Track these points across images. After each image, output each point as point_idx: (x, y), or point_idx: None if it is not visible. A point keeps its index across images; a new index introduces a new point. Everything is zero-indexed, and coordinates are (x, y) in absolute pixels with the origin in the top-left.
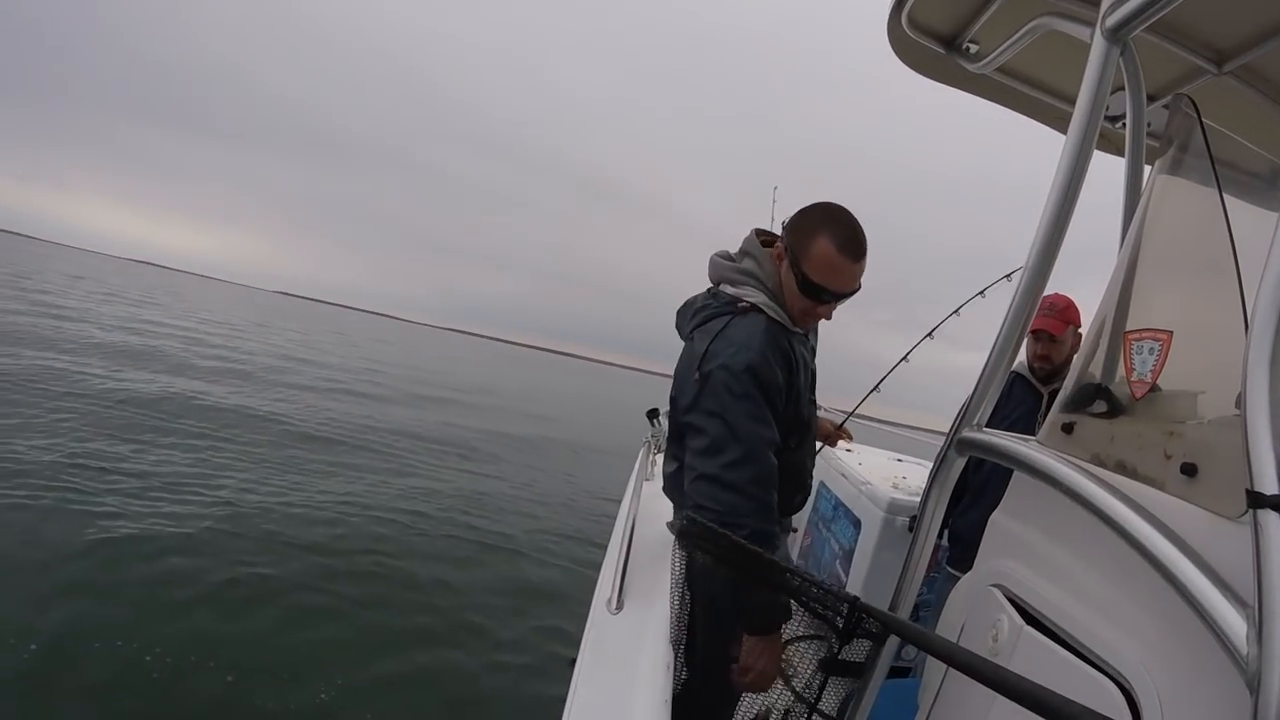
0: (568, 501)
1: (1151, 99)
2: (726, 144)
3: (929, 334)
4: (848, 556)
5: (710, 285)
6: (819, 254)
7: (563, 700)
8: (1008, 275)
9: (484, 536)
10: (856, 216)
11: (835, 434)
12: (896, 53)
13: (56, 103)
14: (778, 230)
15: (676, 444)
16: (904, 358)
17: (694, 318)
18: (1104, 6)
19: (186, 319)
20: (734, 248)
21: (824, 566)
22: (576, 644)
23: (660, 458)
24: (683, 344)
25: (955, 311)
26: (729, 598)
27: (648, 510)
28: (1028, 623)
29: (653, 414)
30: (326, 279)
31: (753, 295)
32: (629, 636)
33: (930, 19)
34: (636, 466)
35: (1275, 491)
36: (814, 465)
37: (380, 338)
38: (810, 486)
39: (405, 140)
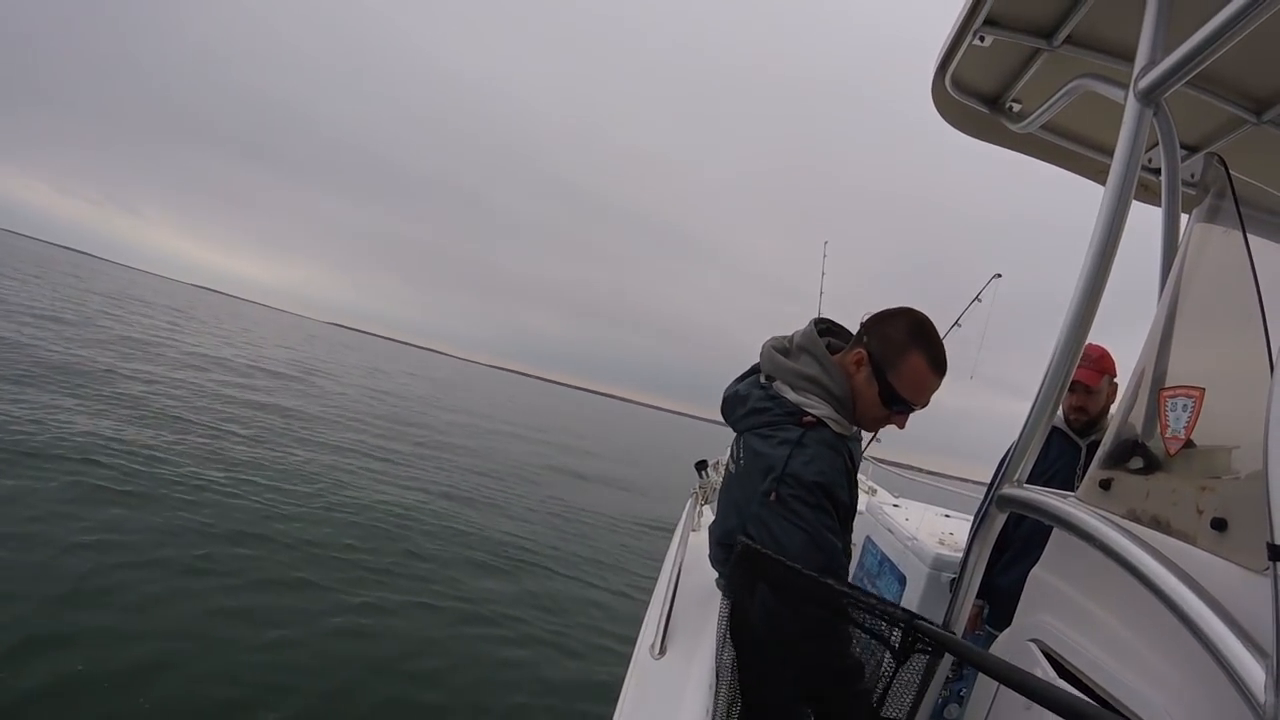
0: None
1: (1194, 149)
2: (779, 190)
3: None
4: None
5: (761, 373)
6: (912, 370)
7: None
8: (997, 274)
9: None
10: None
11: None
12: (940, 112)
13: (135, 135)
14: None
15: (726, 522)
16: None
17: (750, 416)
18: (1136, 70)
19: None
20: (784, 292)
21: None
22: (619, 689)
23: (707, 509)
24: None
25: (956, 322)
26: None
27: (692, 559)
28: (1060, 675)
29: (701, 465)
30: (383, 313)
31: (818, 407)
32: (671, 681)
33: (974, 80)
34: (684, 516)
35: None
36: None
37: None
38: (848, 567)
39: (472, 181)
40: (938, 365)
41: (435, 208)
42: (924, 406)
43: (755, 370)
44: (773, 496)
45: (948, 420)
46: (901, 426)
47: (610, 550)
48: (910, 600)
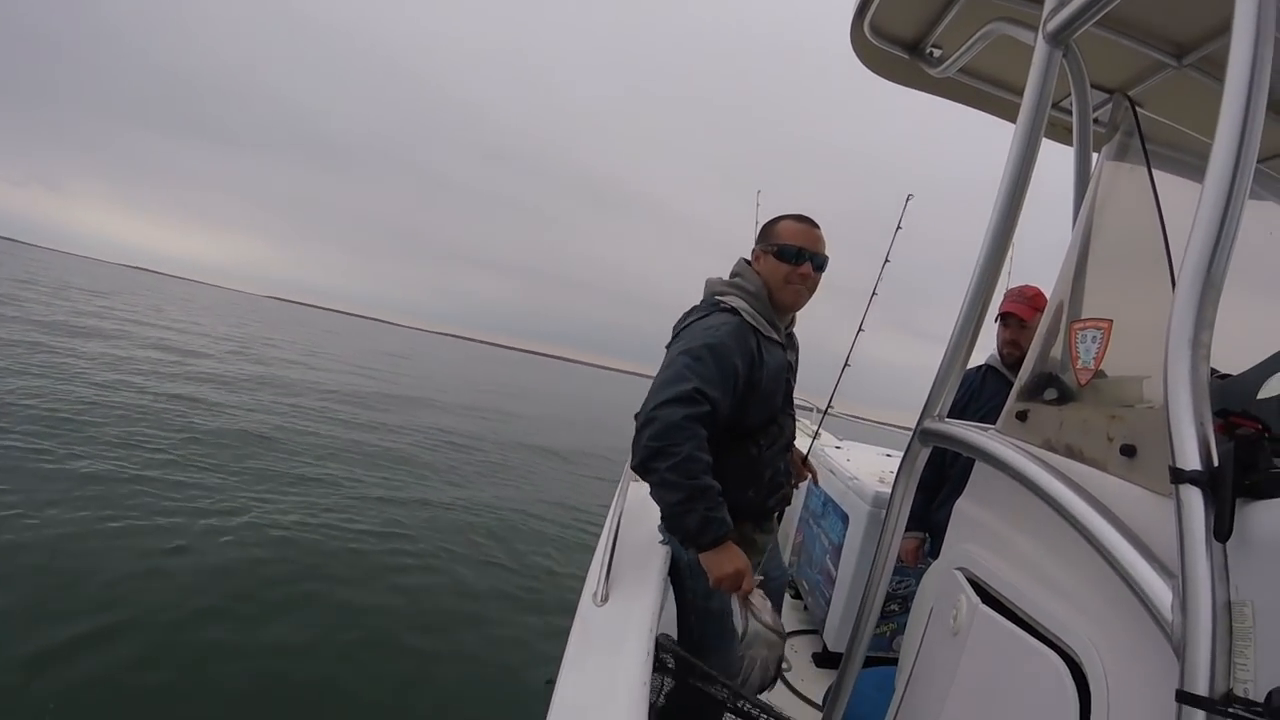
0: None
1: (1116, 91)
2: (717, 146)
3: (874, 291)
4: (837, 551)
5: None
6: (782, 227)
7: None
8: (910, 195)
9: None
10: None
11: (800, 468)
12: (860, 58)
13: (53, 106)
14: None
15: None
16: (860, 328)
17: (684, 319)
18: (1045, 12)
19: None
20: (729, 248)
21: (815, 562)
22: (564, 635)
23: None
24: None
25: (886, 259)
26: (672, 528)
27: (634, 512)
28: (984, 602)
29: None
30: (317, 283)
31: (735, 301)
32: (613, 627)
33: (893, 26)
34: (625, 468)
35: (1194, 467)
36: (787, 467)
37: (397, 349)
38: (786, 490)
39: (404, 143)
40: (801, 219)
41: (374, 175)
42: (815, 250)
43: None
44: (667, 349)
45: (898, 376)
46: (806, 277)
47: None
48: (854, 538)
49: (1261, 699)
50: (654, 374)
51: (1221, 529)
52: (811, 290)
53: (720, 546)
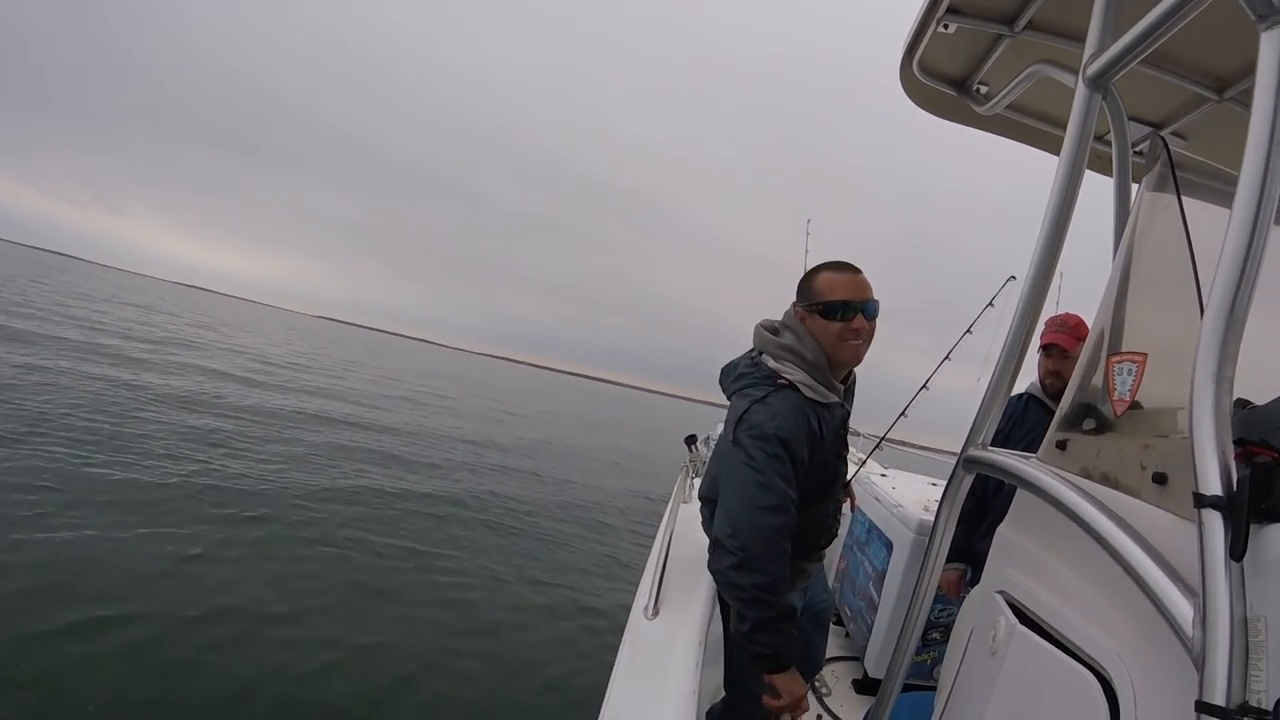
0: None
1: (1159, 126)
2: (767, 172)
3: (946, 357)
4: (880, 578)
5: (753, 350)
6: (823, 282)
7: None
8: (1011, 277)
9: None
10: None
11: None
12: (909, 95)
13: (116, 129)
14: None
15: (712, 488)
16: (924, 385)
17: (736, 381)
18: (1085, 57)
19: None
20: (771, 274)
21: (858, 588)
22: (615, 648)
23: (697, 481)
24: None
25: (968, 330)
26: (750, 642)
27: (683, 529)
28: (1022, 623)
29: (690, 440)
30: (364, 302)
31: (792, 372)
32: (662, 640)
33: (940, 65)
34: (675, 489)
35: (1215, 492)
36: (838, 511)
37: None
38: (834, 530)
39: (459, 170)
40: (839, 267)
41: (424, 197)
42: (861, 299)
43: (753, 350)
44: (733, 442)
45: (937, 399)
46: (860, 331)
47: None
48: (897, 565)
49: (1273, 709)
50: (689, 396)
51: (1237, 549)
52: (869, 341)
53: (793, 670)
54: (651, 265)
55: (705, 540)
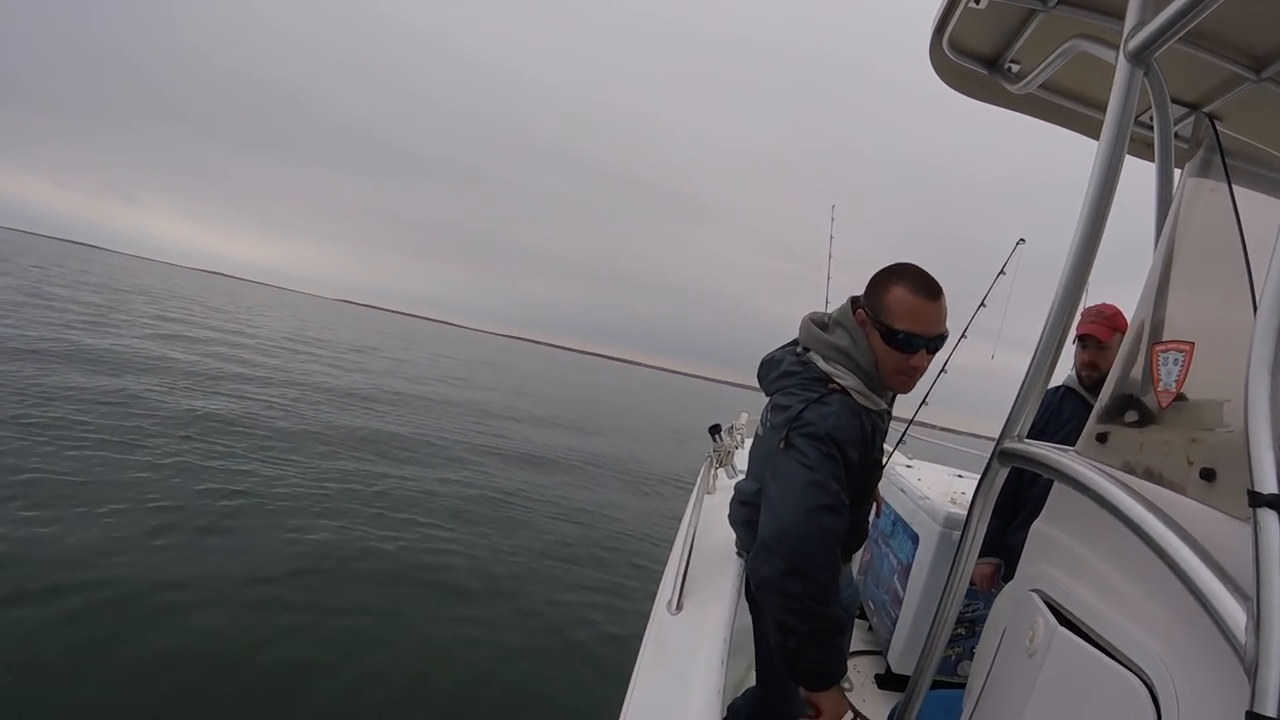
0: None
1: (1195, 106)
2: (784, 151)
3: (963, 334)
4: (905, 571)
5: (797, 345)
6: (896, 302)
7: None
8: (1020, 240)
9: None
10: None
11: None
12: (939, 74)
13: (127, 119)
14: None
15: (754, 482)
16: (943, 369)
17: (781, 379)
18: (1126, 30)
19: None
20: (791, 256)
21: (883, 581)
22: (639, 642)
23: (722, 472)
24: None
25: (982, 303)
26: (795, 657)
27: (708, 521)
28: (1061, 624)
29: (715, 430)
30: (382, 286)
31: (845, 378)
32: (686, 634)
33: (971, 42)
34: (699, 480)
35: (1272, 491)
36: (869, 515)
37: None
38: (866, 534)
39: (470, 155)
40: (919, 289)
41: (439, 182)
42: (933, 334)
43: (794, 342)
44: (784, 443)
45: (957, 380)
46: (919, 369)
47: None
48: (923, 558)
49: None
50: (717, 377)
51: None
52: (923, 374)
53: (839, 687)
54: (673, 248)
55: (730, 534)
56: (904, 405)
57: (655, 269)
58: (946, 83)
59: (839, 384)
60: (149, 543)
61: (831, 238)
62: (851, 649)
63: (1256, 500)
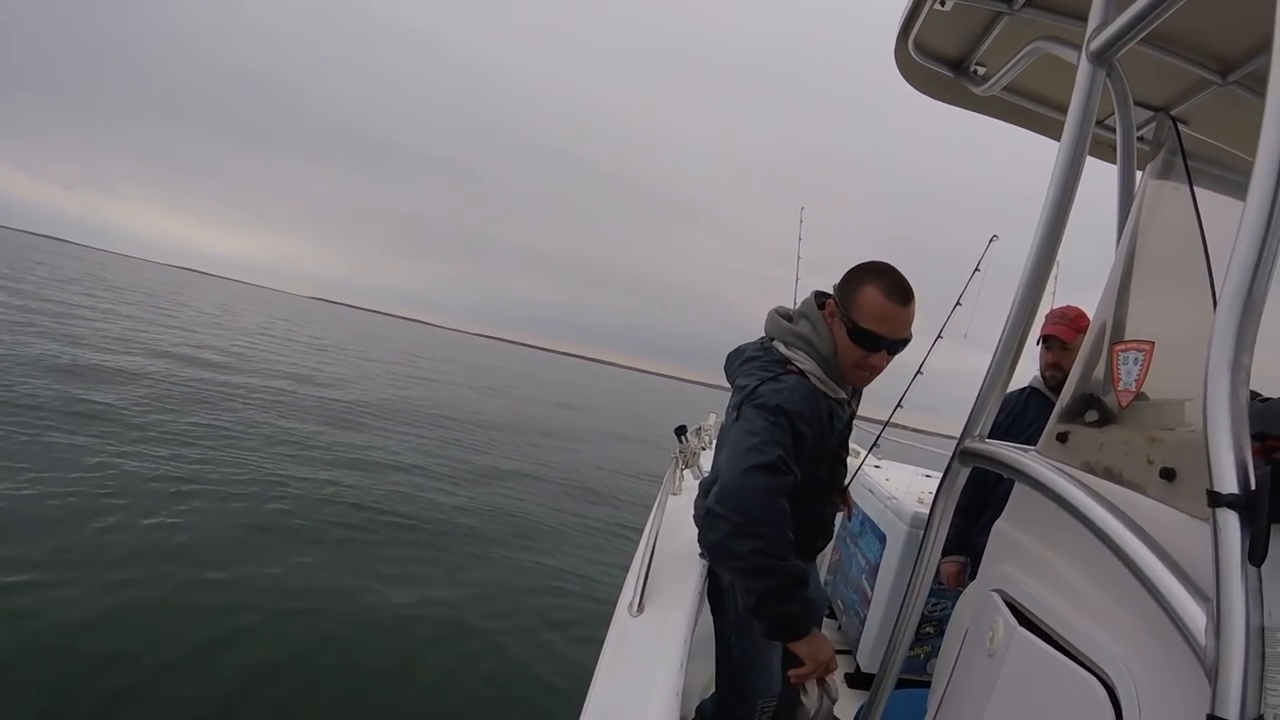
0: None
1: (1162, 110)
2: (763, 154)
3: (939, 335)
4: (874, 571)
5: (764, 336)
6: (867, 302)
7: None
8: (994, 237)
9: None
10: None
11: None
12: (904, 76)
13: (103, 112)
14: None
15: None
16: (919, 370)
17: (743, 365)
18: (1088, 31)
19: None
20: (770, 254)
21: (851, 581)
22: (600, 644)
23: (688, 474)
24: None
25: (958, 302)
26: (763, 615)
27: (671, 523)
28: (1022, 624)
29: (680, 431)
30: (357, 283)
31: (804, 361)
32: (647, 636)
33: (937, 44)
34: (664, 481)
35: (1231, 491)
36: (834, 514)
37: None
38: (831, 534)
39: (456, 153)
40: (892, 294)
41: (424, 180)
42: (897, 338)
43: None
44: (736, 415)
45: (930, 381)
46: (877, 368)
47: None
48: (890, 557)
49: None
50: (697, 379)
51: (1256, 553)
52: (879, 374)
53: (814, 632)
54: (659, 247)
55: (694, 534)
56: (880, 408)
57: (640, 270)
58: (912, 84)
59: (797, 367)
60: None
61: (800, 238)
62: None
63: (1216, 500)
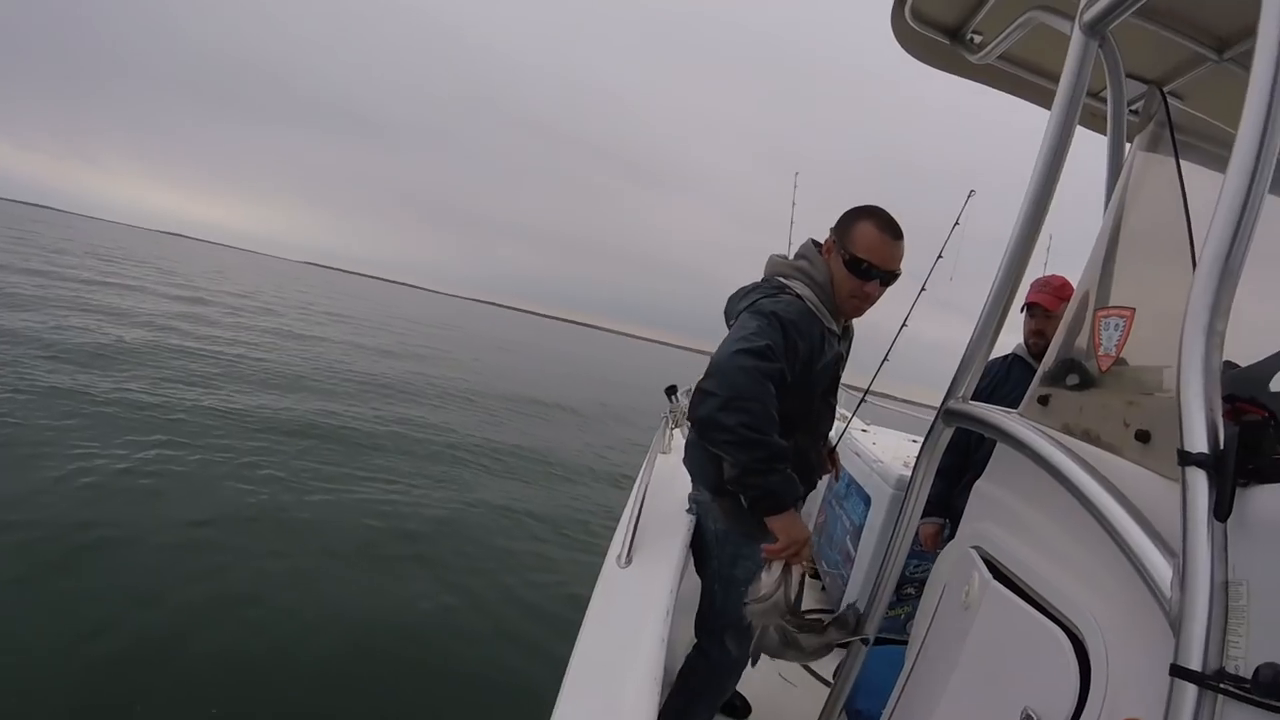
0: None
1: (1156, 84)
2: (756, 121)
3: (922, 288)
4: (858, 532)
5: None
6: (862, 233)
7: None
8: (971, 192)
9: None
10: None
11: (827, 461)
12: (900, 42)
13: (90, 82)
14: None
15: None
16: (904, 323)
17: (742, 299)
18: (1082, 2)
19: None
20: (764, 217)
21: (835, 542)
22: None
23: (677, 432)
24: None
25: (940, 255)
26: (746, 486)
27: (661, 480)
28: (996, 579)
29: (671, 391)
30: (350, 250)
31: (800, 288)
32: (634, 587)
33: (934, 11)
34: (654, 439)
35: (1201, 450)
36: (820, 459)
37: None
38: (814, 480)
39: (445, 122)
40: (885, 227)
41: (415, 152)
42: (888, 269)
43: None
44: (733, 322)
45: (915, 345)
46: (870, 296)
47: None
48: (875, 519)
49: (1251, 675)
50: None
51: (1222, 509)
52: (872, 304)
53: (793, 511)
54: (645, 213)
55: (683, 492)
56: (866, 375)
57: (630, 238)
58: (907, 50)
59: (792, 288)
60: None
61: (794, 204)
62: (805, 608)
63: (1185, 459)
